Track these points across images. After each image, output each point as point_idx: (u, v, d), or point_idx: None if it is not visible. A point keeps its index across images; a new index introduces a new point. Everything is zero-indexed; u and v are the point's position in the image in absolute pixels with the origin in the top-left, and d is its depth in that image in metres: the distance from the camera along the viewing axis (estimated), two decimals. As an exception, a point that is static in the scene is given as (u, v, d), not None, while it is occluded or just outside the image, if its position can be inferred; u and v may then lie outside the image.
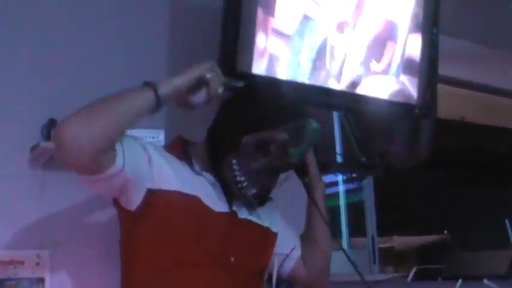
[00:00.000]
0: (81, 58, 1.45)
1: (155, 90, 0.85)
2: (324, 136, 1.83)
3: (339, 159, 1.99)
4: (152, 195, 0.90)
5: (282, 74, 1.42)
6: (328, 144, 1.83)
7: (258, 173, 0.91)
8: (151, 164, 0.92)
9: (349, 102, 1.55)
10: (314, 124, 0.94)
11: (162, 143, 1.35)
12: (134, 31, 1.53)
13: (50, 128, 1.31)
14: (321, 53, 1.46)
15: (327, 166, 1.85)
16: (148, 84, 0.86)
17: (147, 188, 0.91)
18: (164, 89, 0.86)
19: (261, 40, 1.35)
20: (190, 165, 0.98)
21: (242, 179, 0.91)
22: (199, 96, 0.89)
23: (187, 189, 0.93)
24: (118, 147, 0.88)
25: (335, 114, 1.93)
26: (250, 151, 0.92)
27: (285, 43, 1.41)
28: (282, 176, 1.00)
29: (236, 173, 0.91)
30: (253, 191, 0.91)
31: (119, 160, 0.87)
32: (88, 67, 1.45)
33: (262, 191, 0.95)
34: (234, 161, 0.91)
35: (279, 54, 1.41)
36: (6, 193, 1.28)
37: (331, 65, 1.51)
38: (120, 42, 1.51)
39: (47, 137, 1.30)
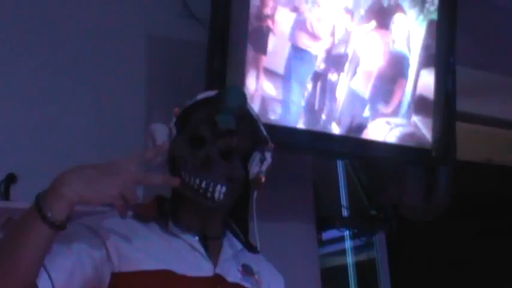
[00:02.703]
0: (44, 110, 1.49)
1: (48, 222, 0.77)
2: (326, 186, 1.88)
3: (344, 212, 2.02)
4: (115, 279, 0.89)
5: (276, 118, 1.47)
6: (331, 196, 1.88)
7: (211, 165, 0.91)
8: (105, 251, 0.89)
9: (354, 149, 1.58)
10: (229, 88, 0.97)
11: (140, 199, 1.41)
12: (107, 79, 1.58)
13: (8, 184, 1.35)
14: (319, 94, 1.51)
15: (331, 220, 1.89)
16: (38, 211, 0.77)
17: (110, 272, 0.89)
18: (58, 215, 0.78)
19: (252, 81, 1.41)
20: (164, 226, 0.96)
21: (197, 181, 0.90)
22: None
23: (155, 264, 0.90)
24: (41, 275, 0.82)
25: (339, 163, 1.97)
26: (187, 153, 0.92)
27: (279, 83, 1.46)
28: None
29: (191, 182, 0.90)
30: (223, 188, 0.90)
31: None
32: (52, 120, 1.49)
33: (230, 184, 0.92)
34: (183, 174, 0.91)
35: (272, 95, 1.45)
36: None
37: (332, 107, 1.54)
38: (89, 91, 1.56)
39: (5, 194, 1.33)
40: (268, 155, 0.98)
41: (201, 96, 0.99)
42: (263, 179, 0.96)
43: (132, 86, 1.61)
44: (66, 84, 1.52)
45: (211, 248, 0.96)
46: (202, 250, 0.94)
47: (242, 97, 0.96)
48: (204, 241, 0.95)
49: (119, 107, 1.57)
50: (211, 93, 0.99)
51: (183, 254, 0.93)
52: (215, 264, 0.95)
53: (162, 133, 0.94)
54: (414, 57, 1.69)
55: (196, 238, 0.95)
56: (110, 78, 1.58)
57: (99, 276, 0.88)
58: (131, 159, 0.82)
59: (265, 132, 1.00)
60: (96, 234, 0.89)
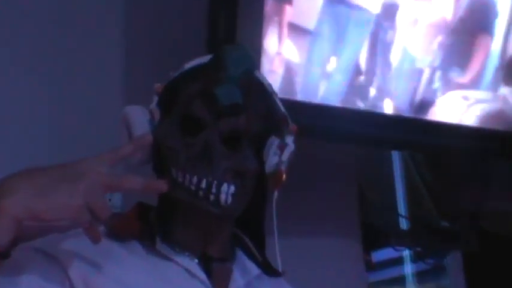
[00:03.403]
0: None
1: None
2: (376, 188, 1.81)
3: (403, 224, 1.88)
4: None
5: (305, 93, 1.40)
6: (384, 201, 1.78)
7: (213, 157, 0.87)
8: (67, 284, 0.84)
9: (416, 136, 1.49)
10: (229, 48, 0.91)
11: (118, 209, 1.36)
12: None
13: None
14: (367, 60, 1.43)
15: (383, 235, 1.77)
16: None
17: None
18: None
19: (271, 41, 1.33)
20: (149, 245, 0.92)
21: (195, 179, 0.86)
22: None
23: None
24: None
25: (394, 155, 1.85)
26: (178, 142, 0.89)
27: (309, 45, 1.38)
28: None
29: (185, 182, 0.87)
30: (230, 187, 0.87)
31: None
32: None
33: (240, 182, 0.88)
34: (174, 172, 0.88)
35: (300, 62, 1.38)
36: None
37: (385, 78, 1.47)
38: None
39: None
40: (289, 140, 0.92)
41: (190, 64, 0.94)
42: (284, 174, 0.91)
43: (102, 53, 1.54)
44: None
45: (216, 274, 0.91)
46: (203, 277, 0.89)
47: (249, 60, 0.90)
48: (206, 264, 0.91)
49: (84, 84, 1.51)
50: (204, 59, 0.94)
51: (176, 283, 0.89)
52: None
53: (140, 119, 0.91)
54: (505, 4, 1.56)
55: (195, 261, 0.90)
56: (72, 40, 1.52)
57: None
58: (100, 158, 0.77)
59: (283, 109, 0.95)
60: (54, 262, 0.84)
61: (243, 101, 0.87)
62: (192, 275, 0.88)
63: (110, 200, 1.36)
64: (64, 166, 0.76)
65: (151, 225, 0.93)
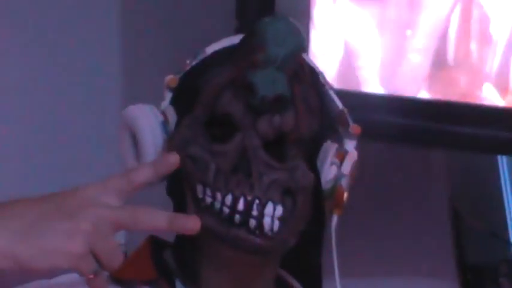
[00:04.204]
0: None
1: None
2: (477, 204, 1.67)
3: None
4: None
5: (372, 81, 1.36)
6: (488, 226, 1.61)
7: (251, 168, 0.81)
8: None
9: None
10: (267, 20, 0.82)
11: (122, 246, 1.34)
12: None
13: None
14: (458, 33, 1.37)
15: (490, 273, 1.62)
16: None
17: None
18: None
19: (323, 8, 1.31)
20: None
21: (229, 200, 0.80)
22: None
23: None
24: None
25: (502, 162, 1.70)
26: (205, 151, 0.83)
27: (374, 12, 1.35)
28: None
29: (216, 204, 0.80)
30: (278, 209, 0.80)
31: None
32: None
33: (291, 201, 0.82)
34: (200, 191, 0.82)
35: (364, 38, 1.36)
36: None
37: (482, 55, 1.38)
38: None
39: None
40: (350, 146, 0.86)
41: (214, 46, 0.87)
42: (346, 192, 0.84)
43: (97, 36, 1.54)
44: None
45: None
46: None
47: (295, 35, 0.82)
48: None
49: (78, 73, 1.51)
50: (233, 39, 0.87)
51: None
52: None
53: (150, 122, 0.84)
54: None
55: None
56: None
57: None
58: (107, 186, 0.71)
59: (341, 105, 0.88)
60: None
61: (291, 91, 0.80)
62: None
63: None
64: (58, 196, 0.69)
65: (169, 268, 0.86)
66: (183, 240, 0.85)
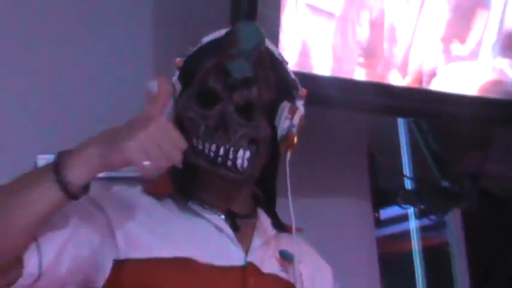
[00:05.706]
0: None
1: (62, 183, 0.79)
2: (384, 152, 1.84)
3: (408, 184, 1.98)
4: (119, 267, 0.89)
5: (321, 67, 1.43)
6: (391, 164, 1.83)
7: (229, 126, 0.92)
8: (110, 232, 0.91)
9: (421, 104, 1.55)
10: (240, 25, 0.95)
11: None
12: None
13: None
14: (375, 35, 1.48)
15: (390, 195, 1.88)
16: (55, 168, 0.79)
17: (113, 259, 0.89)
18: (77, 179, 0.80)
19: (290, 20, 1.36)
20: (182, 203, 0.97)
21: (213, 147, 0.91)
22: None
23: (171, 251, 0.90)
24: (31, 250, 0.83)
25: (400, 122, 1.91)
26: (197, 114, 0.93)
27: (325, 22, 1.42)
28: None
29: (205, 150, 0.91)
30: (246, 153, 0.92)
31: (31, 267, 0.82)
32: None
33: (255, 147, 0.93)
34: (195, 141, 0.92)
35: (316, 39, 1.41)
36: None
37: (392, 52, 1.52)
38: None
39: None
40: (299, 104, 0.97)
41: (206, 38, 0.98)
42: (296, 136, 0.95)
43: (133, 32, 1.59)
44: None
45: (241, 230, 0.96)
46: (230, 232, 0.94)
47: (258, 34, 0.94)
48: (232, 220, 0.96)
49: (118, 62, 1.55)
50: (219, 33, 0.98)
51: (206, 237, 0.93)
52: (246, 250, 0.95)
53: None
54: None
55: (222, 216, 0.95)
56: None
57: (96, 262, 0.88)
58: (151, 108, 0.83)
59: (292, 75, 0.98)
60: (100, 209, 0.90)
61: (254, 73, 0.92)
62: (220, 230, 0.94)
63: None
64: (129, 120, 0.81)
65: (183, 186, 0.98)
66: (187, 172, 0.97)
